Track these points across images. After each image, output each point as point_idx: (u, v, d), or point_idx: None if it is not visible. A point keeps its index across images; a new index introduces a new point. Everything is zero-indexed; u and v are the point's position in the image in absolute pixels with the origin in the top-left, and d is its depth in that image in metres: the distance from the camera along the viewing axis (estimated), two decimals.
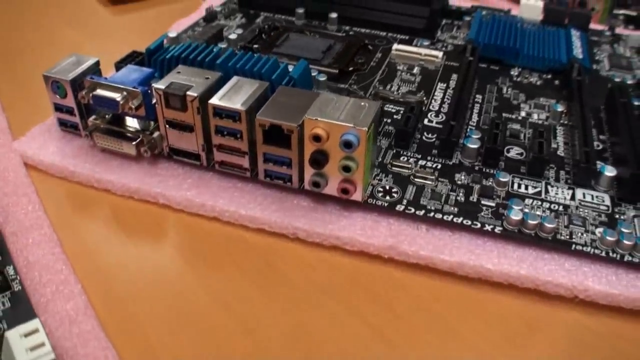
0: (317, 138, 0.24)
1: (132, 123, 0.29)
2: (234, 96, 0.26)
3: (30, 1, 0.46)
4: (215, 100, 0.25)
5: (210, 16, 0.39)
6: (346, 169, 0.25)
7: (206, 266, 0.24)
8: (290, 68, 0.29)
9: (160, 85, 0.26)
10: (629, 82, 0.35)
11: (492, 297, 0.23)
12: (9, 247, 0.24)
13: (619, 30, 0.42)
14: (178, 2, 0.46)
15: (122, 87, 0.27)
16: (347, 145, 0.24)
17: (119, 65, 0.32)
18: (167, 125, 0.27)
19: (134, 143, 0.28)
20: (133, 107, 0.27)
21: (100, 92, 0.27)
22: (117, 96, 0.27)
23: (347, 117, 0.24)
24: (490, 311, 0.23)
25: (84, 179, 0.28)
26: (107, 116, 0.29)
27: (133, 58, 0.33)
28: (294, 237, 0.26)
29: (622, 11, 0.43)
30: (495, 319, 0.23)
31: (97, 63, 0.30)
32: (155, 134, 0.28)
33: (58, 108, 0.29)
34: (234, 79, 0.27)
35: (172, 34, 0.36)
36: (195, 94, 0.26)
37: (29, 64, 0.38)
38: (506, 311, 0.23)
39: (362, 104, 0.25)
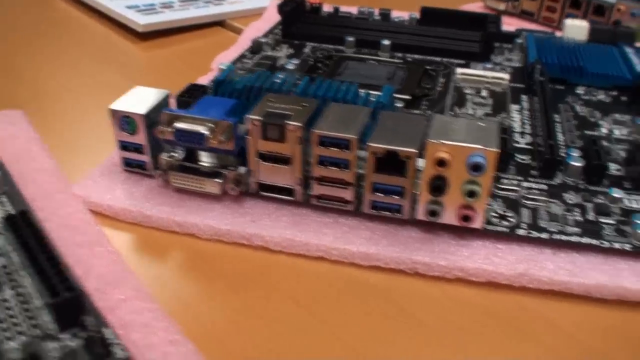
0: (442, 162, 0.22)
1: (207, 159, 0.26)
2: (338, 123, 0.24)
3: (55, 43, 0.43)
4: (321, 129, 0.23)
5: (257, 47, 0.37)
6: (471, 194, 0.23)
7: (327, 311, 0.22)
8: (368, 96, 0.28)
9: (256, 115, 0.24)
10: None
11: (633, 317, 0.22)
12: (97, 305, 0.21)
13: None
14: (208, 37, 0.44)
15: (208, 119, 0.25)
16: (476, 168, 0.22)
17: (180, 99, 0.30)
18: (259, 159, 0.25)
19: (218, 180, 0.25)
20: (223, 140, 0.24)
21: (182, 125, 0.25)
22: (203, 129, 0.24)
23: (471, 138, 0.22)
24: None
25: (162, 224, 0.25)
26: (177, 153, 0.27)
27: (193, 91, 0.31)
28: (412, 272, 0.24)
29: None
30: None
31: (168, 96, 0.27)
32: (242, 169, 0.26)
33: (124, 146, 0.27)
34: (332, 105, 0.25)
35: (224, 66, 0.34)
36: (300, 124, 0.23)
37: (67, 104, 0.35)
38: None
39: (480, 124, 0.24)
